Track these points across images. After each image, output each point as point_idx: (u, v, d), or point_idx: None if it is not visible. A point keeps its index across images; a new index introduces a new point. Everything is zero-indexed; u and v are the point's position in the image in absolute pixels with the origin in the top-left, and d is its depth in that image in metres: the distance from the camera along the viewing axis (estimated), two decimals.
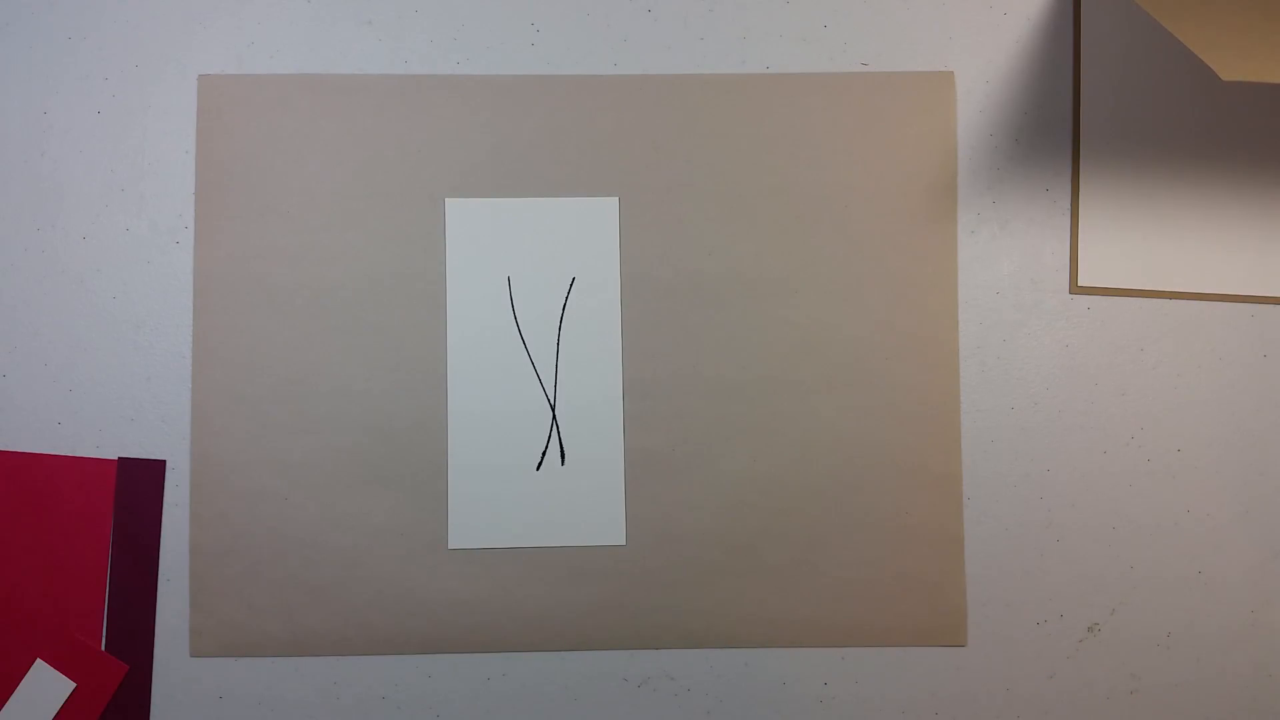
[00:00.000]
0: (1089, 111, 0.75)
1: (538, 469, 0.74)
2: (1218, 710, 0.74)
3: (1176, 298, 0.75)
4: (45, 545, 0.72)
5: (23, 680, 0.72)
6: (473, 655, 0.73)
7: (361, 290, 0.74)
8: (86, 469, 0.73)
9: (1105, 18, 0.75)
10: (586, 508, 0.73)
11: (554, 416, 0.74)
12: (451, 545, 0.73)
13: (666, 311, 0.74)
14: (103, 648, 0.72)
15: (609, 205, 0.74)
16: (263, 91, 0.74)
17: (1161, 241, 0.75)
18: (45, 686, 0.72)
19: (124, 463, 0.73)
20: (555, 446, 0.74)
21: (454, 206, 0.74)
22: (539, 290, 0.74)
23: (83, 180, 0.74)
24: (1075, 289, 0.75)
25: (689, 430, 0.74)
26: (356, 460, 0.73)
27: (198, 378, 0.73)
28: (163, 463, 0.73)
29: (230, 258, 0.74)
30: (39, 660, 0.72)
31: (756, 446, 0.74)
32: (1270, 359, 0.75)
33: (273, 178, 0.74)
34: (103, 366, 0.73)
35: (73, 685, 0.72)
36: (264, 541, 0.73)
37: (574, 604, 0.73)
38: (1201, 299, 0.75)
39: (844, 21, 0.76)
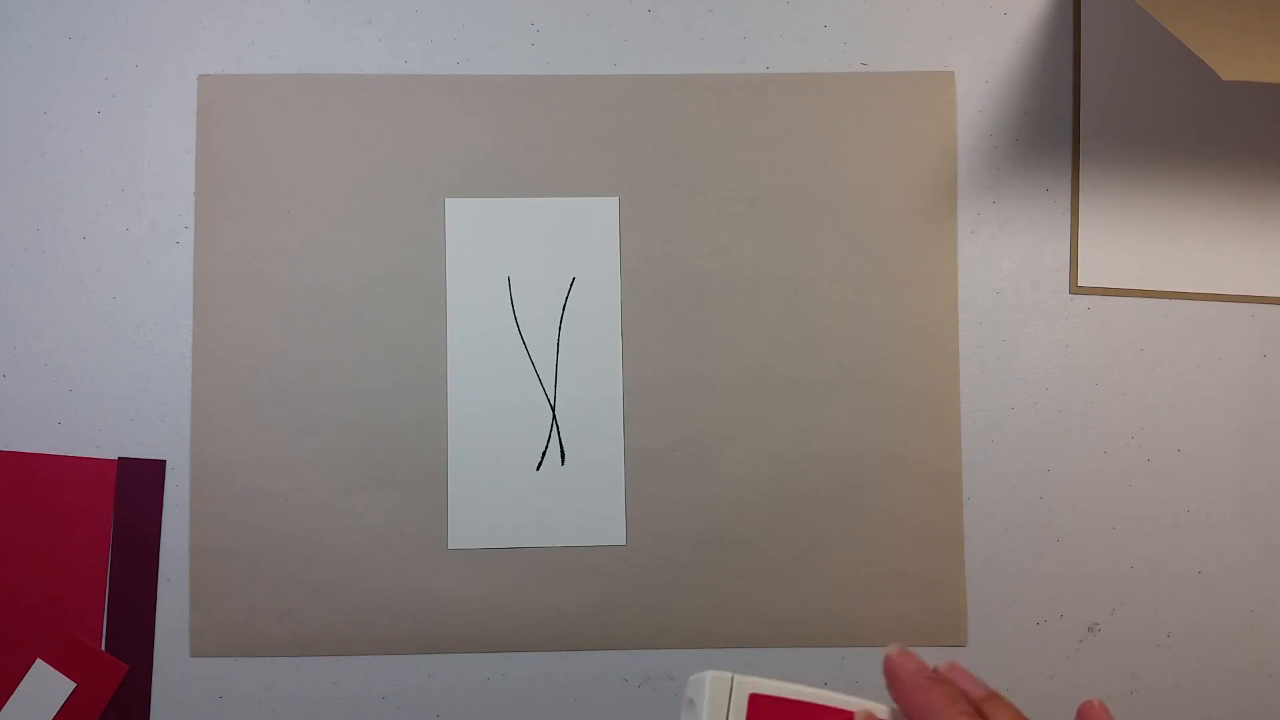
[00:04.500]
0: (1089, 111, 0.75)
1: (538, 469, 0.74)
2: (1218, 710, 0.74)
3: (1176, 298, 0.75)
4: (45, 545, 0.72)
5: (23, 680, 0.72)
6: (473, 655, 0.73)
7: (361, 290, 0.74)
8: (86, 469, 0.73)
9: (1105, 18, 0.75)
10: (586, 508, 0.73)
11: (554, 416, 0.74)
12: (451, 545, 0.73)
13: (666, 311, 0.74)
14: (103, 648, 0.72)
15: (609, 205, 0.74)
16: (263, 91, 0.74)
17: (1161, 241, 0.75)
18: (45, 686, 0.72)
19: (124, 463, 0.73)
20: (555, 446, 0.74)
21: (454, 206, 0.74)
22: (539, 290, 0.74)
23: (83, 180, 0.74)
24: (1075, 289, 0.75)
25: (689, 430, 0.74)
26: (356, 460, 0.73)
27: (198, 378, 0.73)
28: (163, 463, 0.73)
29: (230, 258, 0.74)
30: (39, 660, 0.72)
31: (756, 446, 0.74)
32: (1270, 359, 0.75)
33: (273, 178, 0.74)
34: (103, 366, 0.73)
35: (73, 685, 0.72)
36: (264, 541, 0.73)
37: (574, 604, 0.73)
38: (1201, 299, 0.75)
39: (844, 21, 0.76)
